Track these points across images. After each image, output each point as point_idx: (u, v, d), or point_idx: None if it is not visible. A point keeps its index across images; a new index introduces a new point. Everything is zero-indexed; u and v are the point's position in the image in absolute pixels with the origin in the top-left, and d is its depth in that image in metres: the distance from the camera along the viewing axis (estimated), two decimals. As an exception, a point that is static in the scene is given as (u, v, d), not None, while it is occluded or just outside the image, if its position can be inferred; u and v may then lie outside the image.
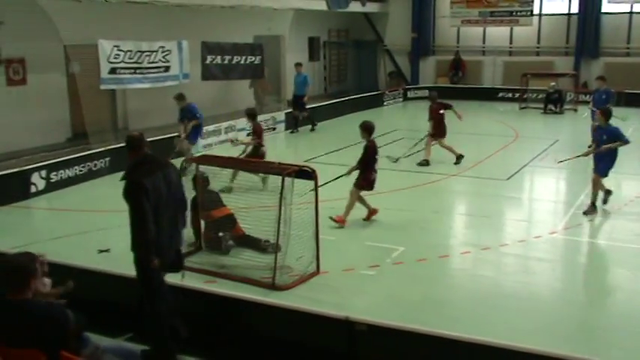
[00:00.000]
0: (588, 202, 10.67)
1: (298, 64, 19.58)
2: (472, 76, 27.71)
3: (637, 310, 7.20)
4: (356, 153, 10.21)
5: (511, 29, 27.06)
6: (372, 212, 10.11)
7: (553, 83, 22.72)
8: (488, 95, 25.80)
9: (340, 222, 9.75)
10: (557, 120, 21.66)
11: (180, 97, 13.38)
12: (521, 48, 27.07)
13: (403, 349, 5.33)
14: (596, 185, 10.54)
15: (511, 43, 27.37)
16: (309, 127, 19.37)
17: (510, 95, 25.30)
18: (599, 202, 10.59)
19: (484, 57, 27.88)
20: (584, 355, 4.85)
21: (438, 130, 14.14)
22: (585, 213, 10.41)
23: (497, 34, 27.40)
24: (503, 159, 15.17)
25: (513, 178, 13.28)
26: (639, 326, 6.74)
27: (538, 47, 26.91)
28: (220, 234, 8.70)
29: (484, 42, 27.88)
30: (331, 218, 9.67)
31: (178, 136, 13.54)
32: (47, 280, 4.90)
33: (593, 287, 8.02)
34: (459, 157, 14.17)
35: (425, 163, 13.99)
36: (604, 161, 10.43)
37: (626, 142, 10.34)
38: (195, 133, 13.43)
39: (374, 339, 5.39)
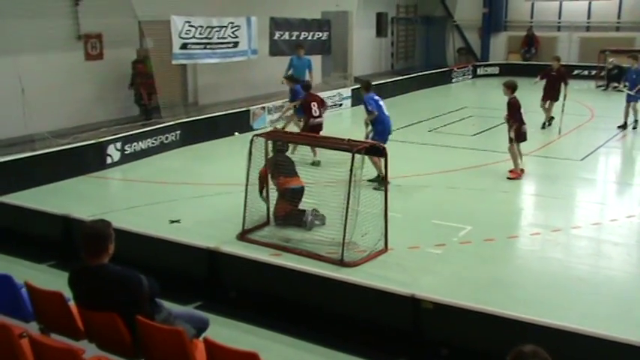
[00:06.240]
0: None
1: (299, 46, 16.11)
2: (546, 53, 26.62)
3: None
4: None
5: (589, 3, 25.90)
6: (517, 172, 11.13)
7: (612, 59, 21.81)
8: (563, 73, 24.86)
9: (516, 175, 11.10)
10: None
11: None
12: (600, 23, 25.86)
13: (470, 329, 5.28)
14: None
15: (589, 17, 26.18)
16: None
17: (586, 73, 24.33)
18: None
19: (559, 33, 26.82)
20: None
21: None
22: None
23: (574, 8, 26.28)
24: (577, 139, 14.64)
25: (587, 159, 12.80)
26: None
27: (618, 22, 25.64)
28: (305, 209, 8.62)
29: (560, 17, 26.79)
30: (509, 178, 11.04)
31: None
32: None
33: (671, 274, 7.67)
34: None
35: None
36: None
37: (370, 112, 10.50)
38: None
39: (440, 318, 5.35)
